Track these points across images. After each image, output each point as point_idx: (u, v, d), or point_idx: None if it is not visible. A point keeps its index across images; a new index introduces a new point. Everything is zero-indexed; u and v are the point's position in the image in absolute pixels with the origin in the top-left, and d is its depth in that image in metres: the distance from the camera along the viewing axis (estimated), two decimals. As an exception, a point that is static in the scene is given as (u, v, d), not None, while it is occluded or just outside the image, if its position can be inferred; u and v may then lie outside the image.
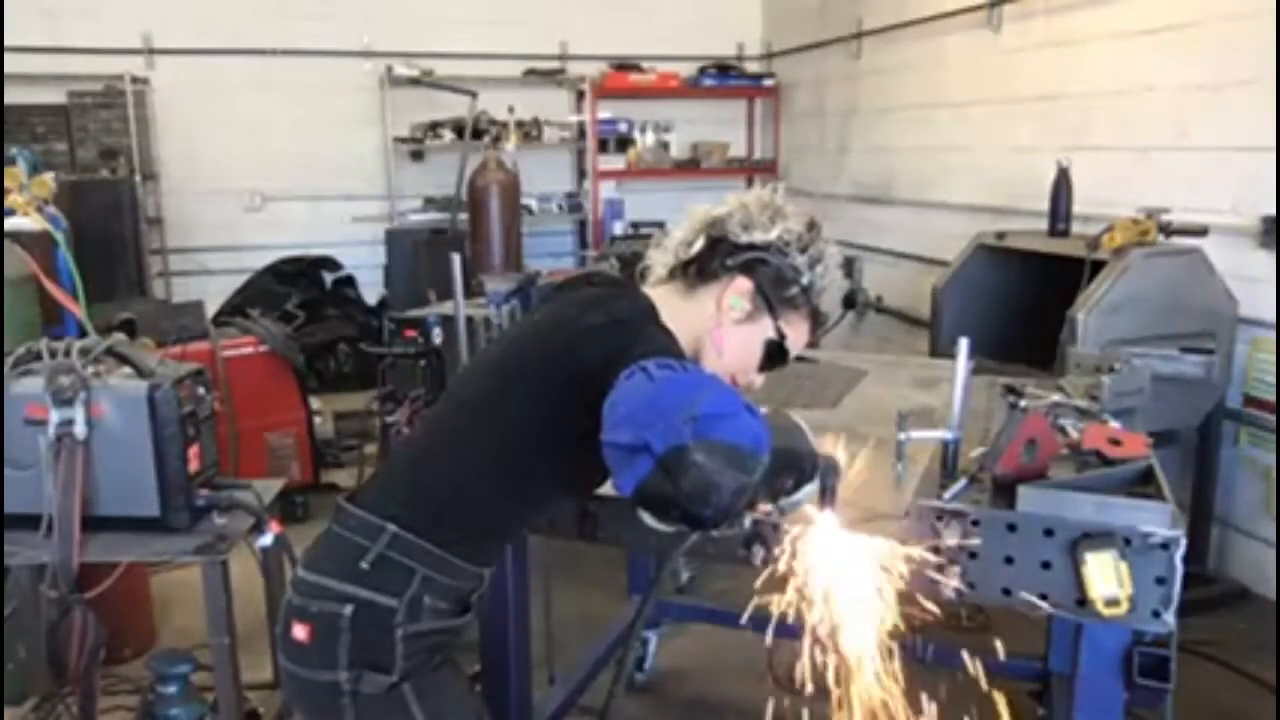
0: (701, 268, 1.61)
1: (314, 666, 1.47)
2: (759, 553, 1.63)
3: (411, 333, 3.41)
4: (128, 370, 2.31)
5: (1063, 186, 3.85)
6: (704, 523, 1.17)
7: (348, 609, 1.44)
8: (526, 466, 1.51)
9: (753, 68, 7.69)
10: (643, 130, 7.37)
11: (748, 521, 1.51)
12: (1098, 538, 1.51)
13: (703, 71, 7.40)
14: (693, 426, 1.10)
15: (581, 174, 7.48)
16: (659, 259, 1.68)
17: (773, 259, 1.60)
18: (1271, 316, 3.55)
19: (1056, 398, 2.12)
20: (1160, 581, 1.51)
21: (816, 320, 1.69)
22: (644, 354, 1.24)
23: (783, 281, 1.60)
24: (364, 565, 1.45)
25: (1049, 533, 1.56)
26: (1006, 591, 1.61)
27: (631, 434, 1.12)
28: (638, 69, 7.23)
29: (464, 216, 6.41)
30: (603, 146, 7.27)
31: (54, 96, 6.24)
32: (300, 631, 1.47)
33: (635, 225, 7.14)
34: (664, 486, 1.11)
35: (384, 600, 1.45)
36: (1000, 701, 1.74)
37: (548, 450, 1.49)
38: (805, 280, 1.61)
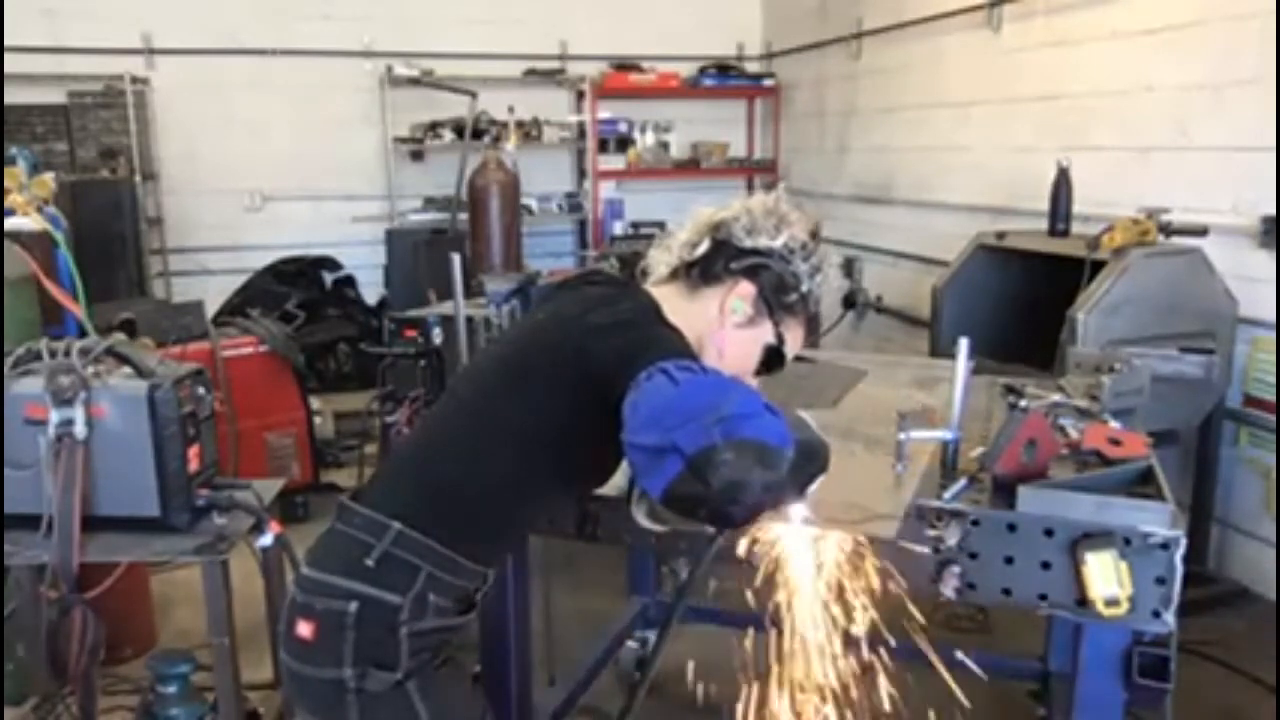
0: (705, 270, 1.62)
1: (318, 664, 1.48)
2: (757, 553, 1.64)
3: (411, 333, 3.41)
4: (128, 370, 2.30)
5: (1063, 186, 3.85)
6: (732, 520, 1.18)
7: (353, 606, 1.45)
8: (532, 465, 1.51)
9: (753, 68, 7.69)
10: (643, 130, 7.36)
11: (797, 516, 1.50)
12: (1098, 538, 1.52)
13: (703, 71, 7.39)
14: (721, 427, 1.11)
15: (581, 174, 7.48)
16: (661, 259, 1.68)
17: (775, 265, 1.61)
18: (1271, 316, 3.55)
19: (1056, 398, 2.12)
20: (1160, 581, 1.51)
21: (812, 326, 1.70)
22: (661, 355, 1.25)
23: (784, 288, 1.62)
24: (369, 562, 1.46)
25: (1049, 533, 1.57)
26: (1007, 591, 1.61)
27: (658, 435, 1.13)
28: (638, 69, 7.23)
29: (464, 216, 6.41)
30: (603, 146, 7.26)
31: (54, 96, 6.24)
32: (305, 629, 1.48)
33: (635, 225, 7.15)
34: (694, 486, 1.12)
35: (389, 598, 1.45)
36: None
37: (554, 449, 1.50)
38: (805, 288, 1.63)
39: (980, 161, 5.17)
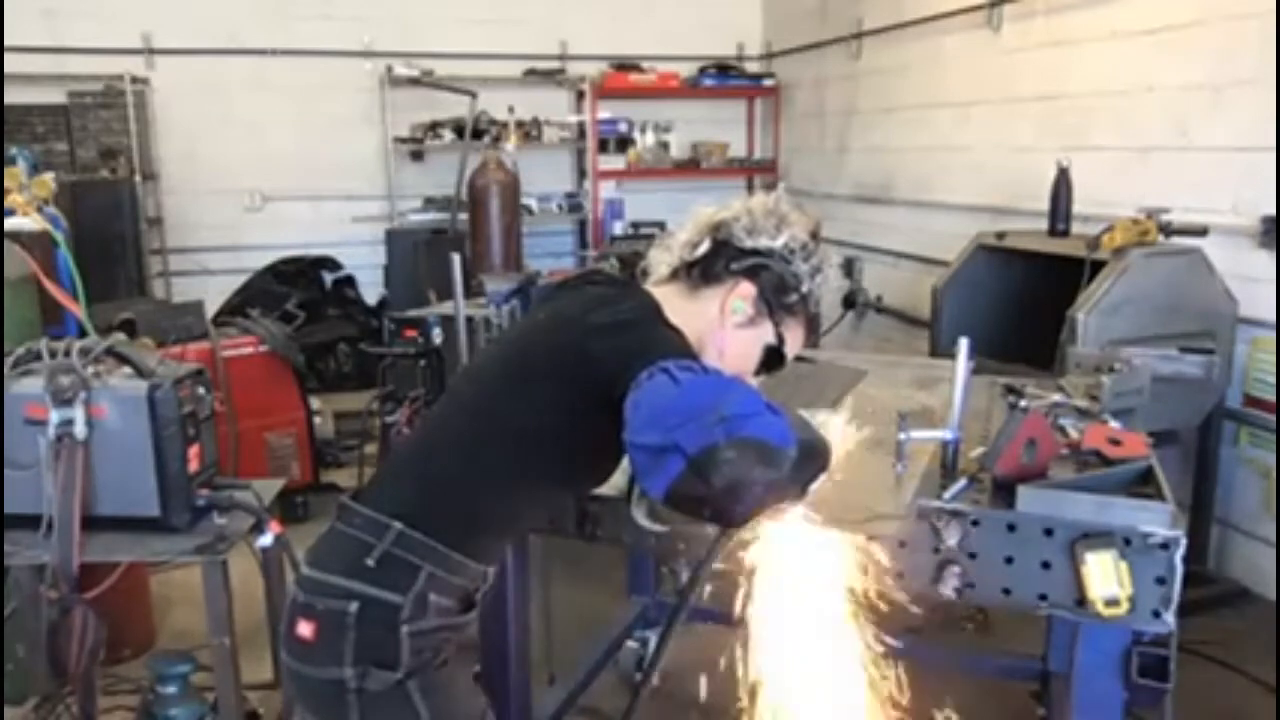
0: (706, 270, 1.63)
1: (319, 664, 1.48)
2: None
3: (411, 333, 3.41)
4: (128, 370, 2.31)
5: (1063, 186, 3.85)
6: (734, 519, 1.19)
7: (353, 606, 1.45)
8: (532, 465, 1.52)
9: (753, 68, 7.69)
10: (643, 130, 7.35)
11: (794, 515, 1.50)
12: (1098, 538, 1.52)
13: (703, 71, 7.39)
14: (723, 426, 1.11)
15: (581, 174, 7.48)
16: (662, 259, 1.69)
17: (775, 265, 1.61)
18: (1271, 316, 3.55)
19: (1056, 398, 2.12)
20: (1160, 581, 1.51)
21: (812, 326, 1.70)
22: (662, 355, 1.25)
23: (784, 288, 1.62)
24: (369, 562, 1.46)
25: (1049, 533, 1.57)
26: (1006, 591, 1.61)
27: (659, 435, 1.14)
28: (638, 69, 7.22)
29: (464, 216, 6.41)
30: (603, 146, 7.26)
31: (54, 96, 6.23)
32: (306, 629, 1.48)
33: (635, 225, 7.15)
34: (696, 486, 1.12)
35: (390, 597, 1.45)
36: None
37: (554, 449, 1.50)
38: (805, 288, 1.63)
39: (980, 161, 5.17)
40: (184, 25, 6.51)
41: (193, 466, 2.31)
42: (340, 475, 4.81)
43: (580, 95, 7.30)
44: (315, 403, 4.76)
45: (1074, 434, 1.86)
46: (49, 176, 3.86)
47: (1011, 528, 1.59)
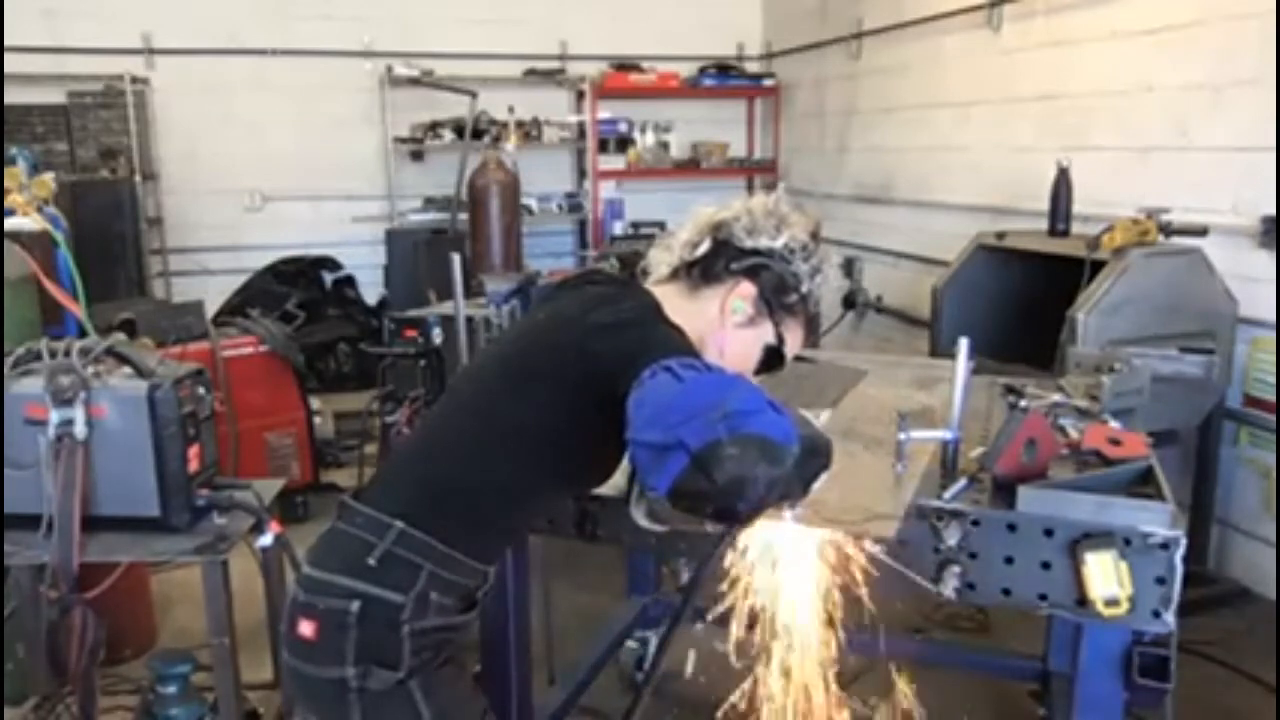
0: (706, 269, 1.63)
1: (320, 663, 1.48)
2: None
3: (411, 333, 3.42)
4: (128, 370, 2.31)
5: (1063, 186, 3.85)
6: (737, 517, 1.19)
7: (355, 605, 1.45)
8: (533, 464, 1.52)
9: (753, 68, 7.69)
10: (643, 130, 7.35)
11: (789, 514, 1.50)
12: (1098, 538, 1.52)
13: (703, 71, 7.39)
14: (726, 423, 1.11)
15: (581, 174, 7.48)
16: (662, 258, 1.69)
17: (775, 265, 1.62)
18: (1271, 316, 3.55)
19: (1056, 398, 2.12)
20: (1160, 581, 1.51)
21: (812, 326, 1.71)
22: (664, 353, 1.26)
23: (784, 288, 1.63)
24: (371, 561, 1.46)
25: (1049, 533, 1.57)
26: (1006, 591, 1.61)
27: (662, 432, 1.14)
28: (638, 69, 7.22)
29: (464, 216, 6.41)
30: (603, 146, 7.26)
31: (54, 96, 6.24)
32: (307, 628, 1.48)
33: (635, 225, 7.15)
34: (699, 482, 1.13)
35: (391, 596, 1.45)
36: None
37: (555, 448, 1.50)
38: (805, 288, 1.63)
39: (980, 161, 5.17)
40: (184, 25, 6.51)
41: (193, 466, 2.31)
42: (340, 475, 4.81)
43: (580, 95, 7.30)
44: (315, 403, 4.76)
45: (1074, 434, 1.86)
46: (49, 176, 3.86)
47: (1011, 528, 1.59)
